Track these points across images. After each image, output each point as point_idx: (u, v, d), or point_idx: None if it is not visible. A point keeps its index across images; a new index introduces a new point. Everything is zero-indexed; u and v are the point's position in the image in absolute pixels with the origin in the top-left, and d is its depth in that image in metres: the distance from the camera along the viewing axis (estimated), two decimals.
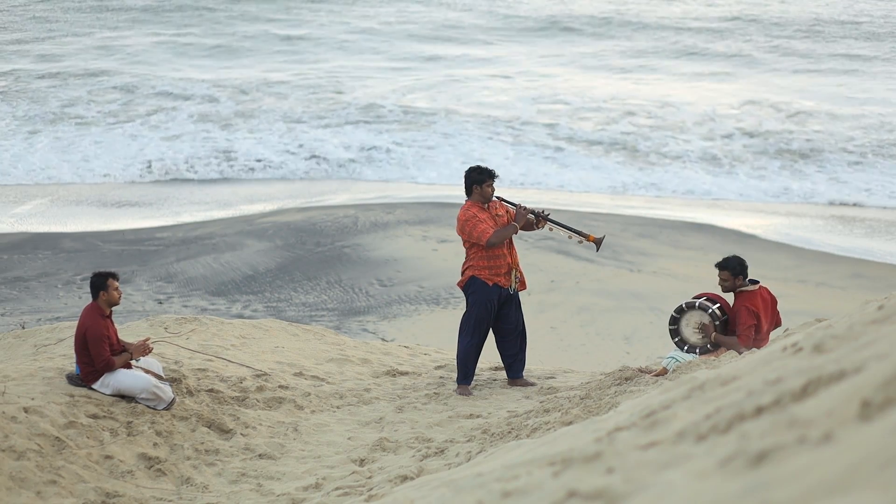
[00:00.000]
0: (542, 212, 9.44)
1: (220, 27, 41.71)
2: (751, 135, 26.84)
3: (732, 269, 8.55)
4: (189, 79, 32.07)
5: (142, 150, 24.89)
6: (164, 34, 39.25)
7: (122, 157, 24.45)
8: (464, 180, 9.41)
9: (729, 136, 26.65)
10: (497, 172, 9.45)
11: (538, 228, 9.48)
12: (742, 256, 8.75)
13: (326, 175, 23.53)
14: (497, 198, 9.44)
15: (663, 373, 8.38)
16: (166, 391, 8.29)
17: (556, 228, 9.46)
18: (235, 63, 34.89)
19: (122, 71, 33.14)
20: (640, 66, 34.85)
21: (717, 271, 8.78)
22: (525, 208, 9.32)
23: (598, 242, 9.35)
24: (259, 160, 24.30)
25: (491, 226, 9.19)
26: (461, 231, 9.29)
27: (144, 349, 8.28)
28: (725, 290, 8.66)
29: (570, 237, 9.46)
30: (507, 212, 9.44)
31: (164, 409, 8.25)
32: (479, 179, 9.30)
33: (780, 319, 8.80)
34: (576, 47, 36.55)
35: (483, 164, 9.63)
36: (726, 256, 8.71)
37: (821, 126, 27.44)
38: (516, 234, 9.39)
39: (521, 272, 9.46)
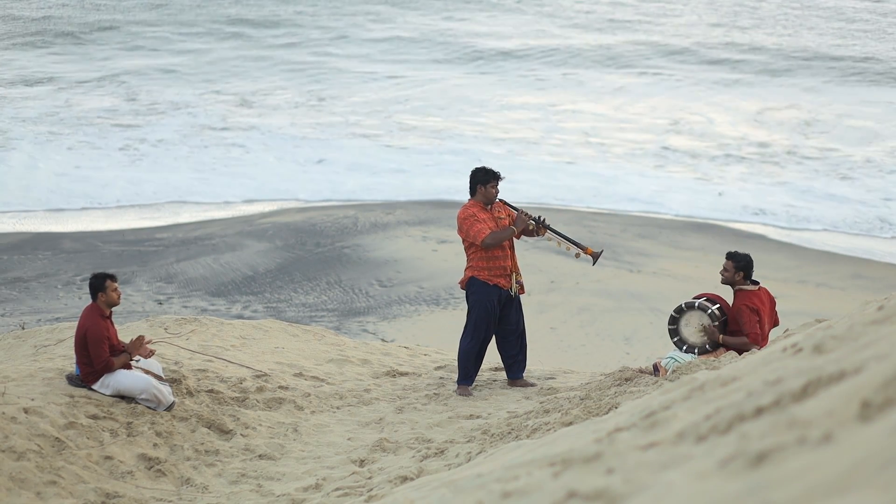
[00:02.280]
0: (542, 220, 9.43)
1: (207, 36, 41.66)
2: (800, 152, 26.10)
3: (737, 261, 8.57)
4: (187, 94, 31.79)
5: (138, 178, 23.13)
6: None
7: (117, 185, 22.56)
8: (469, 180, 9.40)
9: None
10: (503, 175, 9.44)
11: (539, 235, 9.47)
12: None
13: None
14: (500, 200, 9.43)
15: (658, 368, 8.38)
16: (166, 396, 8.27)
17: (554, 238, 9.45)
18: (226, 78, 34.79)
19: (115, 86, 32.89)
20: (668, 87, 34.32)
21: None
22: (526, 214, 9.31)
23: (595, 256, 9.34)
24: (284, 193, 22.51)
25: (489, 226, 9.17)
26: (459, 230, 9.30)
27: (142, 347, 8.26)
28: (724, 280, 8.67)
29: (567, 248, 9.45)
30: (508, 215, 9.43)
31: (164, 411, 8.25)
32: (483, 180, 9.29)
33: (777, 320, 8.81)
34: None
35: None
36: (739, 251, 8.73)
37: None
38: (517, 237, 9.38)
39: (520, 277, 9.45)
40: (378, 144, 26.38)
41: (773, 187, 23.17)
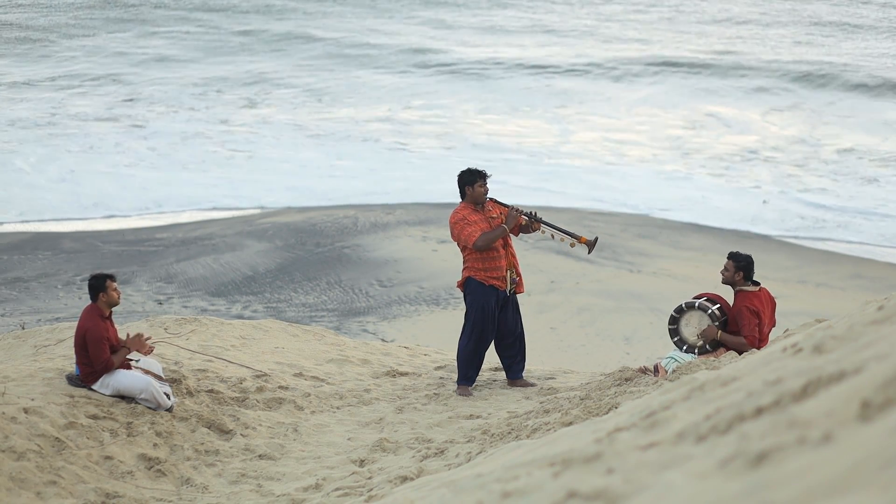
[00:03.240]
0: (535, 214, 9.40)
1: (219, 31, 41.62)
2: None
3: (738, 262, 8.55)
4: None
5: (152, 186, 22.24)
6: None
7: (133, 193, 21.73)
8: (457, 182, 9.37)
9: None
10: (489, 173, 9.41)
11: (535, 230, 9.44)
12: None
13: None
14: (491, 199, 9.40)
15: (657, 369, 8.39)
16: (166, 402, 8.26)
17: (548, 230, 9.43)
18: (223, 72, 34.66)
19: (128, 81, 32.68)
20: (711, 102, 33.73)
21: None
22: (517, 210, 9.27)
23: (590, 244, 9.29)
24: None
25: (480, 228, 9.14)
26: (452, 234, 9.29)
27: (141, 343, 8.25)
28: (724, 280, 8.66)
29: (561, 240, 9.41)
30: (500, 213, 9.40)
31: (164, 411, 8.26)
32: (470, 181, 9.26)
33: (774, 321, 8.80)
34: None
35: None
36: (741, 252, 8.73)
37: None
38: (515, 234, 9.36)
39: (519, 273, 9.42)
40: (389, 148, 26.34)
41: (811, 194, 22.58)
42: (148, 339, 8.47)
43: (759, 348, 8.05)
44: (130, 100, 30.80)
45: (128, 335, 8.36)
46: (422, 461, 7.43)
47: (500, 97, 33.44)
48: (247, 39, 41.67)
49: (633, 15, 49.58)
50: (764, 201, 21.87)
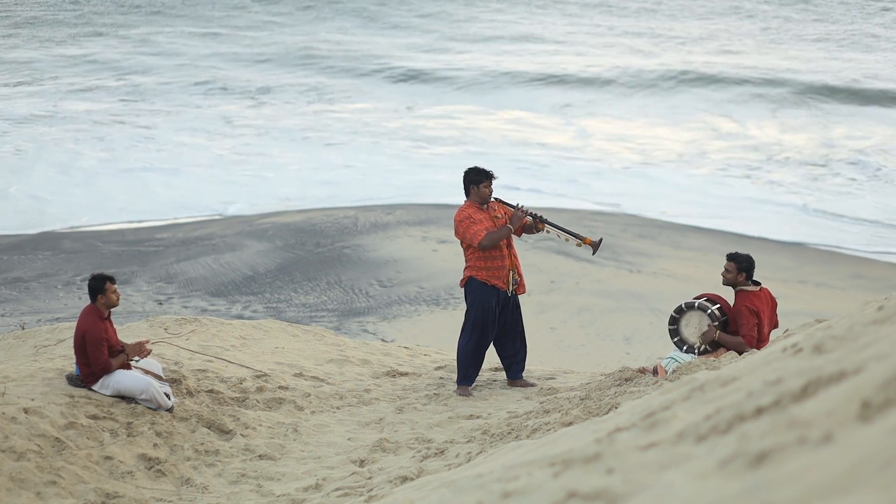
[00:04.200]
0: (539, 214, 9.41)
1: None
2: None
3: (739, 262, 8.55)
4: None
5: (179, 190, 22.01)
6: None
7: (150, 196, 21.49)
8: (462, 181, 9.37)
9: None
10: (496, 174, 9.41)
11: (538, 231, 9.44)
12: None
13: None
14: (495, 199, 9.41)
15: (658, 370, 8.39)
16: (166, 402, 8.26)
17: (553, 230, 9.43)
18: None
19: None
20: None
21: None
22: (523, 209, 9.27)
23: (595, 245, 9.30)
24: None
25: (486, 227, 9.14)
26: (456, 232, 9.28)
27: (141, 349, 8.26)
28: (726, 282, 8.66)
29: (566, 240, 9.42)
30: (505, 213, 9.40)
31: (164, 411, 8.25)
32: (476, 180, 9.26)
33: (777, 321, 8.80)
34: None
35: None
36: (740, 252, 8.73)
37: None
38: (517, 235, 9.36)
39: (520, 274, 9.42)
40: (395, 149, 26.31)
41: (842, 199, 22.32)
42: (146, 342, 8.46)
43: (758, 348, 8.05)
44: (134, 101, 30.80)
45: (132, 343, 8.34)
46: (422, 461, 7.43)
47: (510, 102, 33.43)
48: (249, 41, 41.67)
49: (644, 23, 49.61)
50: (803, 205, 21.65)
